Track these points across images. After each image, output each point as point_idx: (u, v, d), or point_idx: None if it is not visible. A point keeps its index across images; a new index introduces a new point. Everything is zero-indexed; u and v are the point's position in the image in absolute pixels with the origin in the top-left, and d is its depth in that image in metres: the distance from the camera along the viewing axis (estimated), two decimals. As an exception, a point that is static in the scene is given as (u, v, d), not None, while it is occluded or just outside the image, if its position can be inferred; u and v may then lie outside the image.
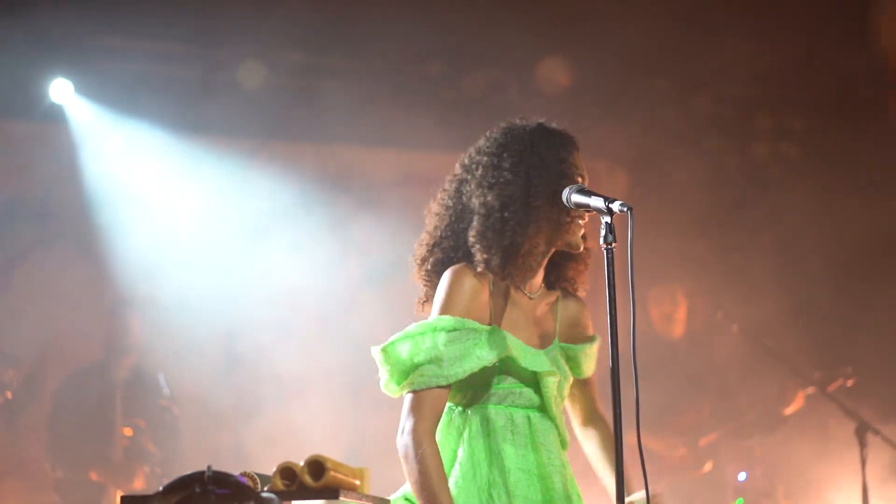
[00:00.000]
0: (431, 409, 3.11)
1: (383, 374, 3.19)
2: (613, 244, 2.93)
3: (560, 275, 3.41)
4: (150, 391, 7.54)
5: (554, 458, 3.26)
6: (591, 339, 3.44)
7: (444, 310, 3.16)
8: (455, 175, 3.38)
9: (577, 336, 3.41)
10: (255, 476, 2.97)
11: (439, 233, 3.33)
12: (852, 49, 7.58)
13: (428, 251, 3.34)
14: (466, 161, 3.38)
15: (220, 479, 2.42)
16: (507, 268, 3.20)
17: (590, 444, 3.53)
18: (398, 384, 3.16)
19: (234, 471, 2.69)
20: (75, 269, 7.74)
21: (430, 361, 3.12)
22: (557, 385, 3.28)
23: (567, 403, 3.48)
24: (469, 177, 3.32)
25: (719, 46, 7.59)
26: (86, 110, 7.68)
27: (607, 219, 2.94)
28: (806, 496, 7.86)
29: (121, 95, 7.61)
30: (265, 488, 2.95)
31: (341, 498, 2.66)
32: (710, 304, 8.02)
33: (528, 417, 3.24)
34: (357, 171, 8.24)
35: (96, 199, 7.78)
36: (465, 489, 3.16)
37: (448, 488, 3.07)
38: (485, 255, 3.19)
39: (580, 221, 3.25)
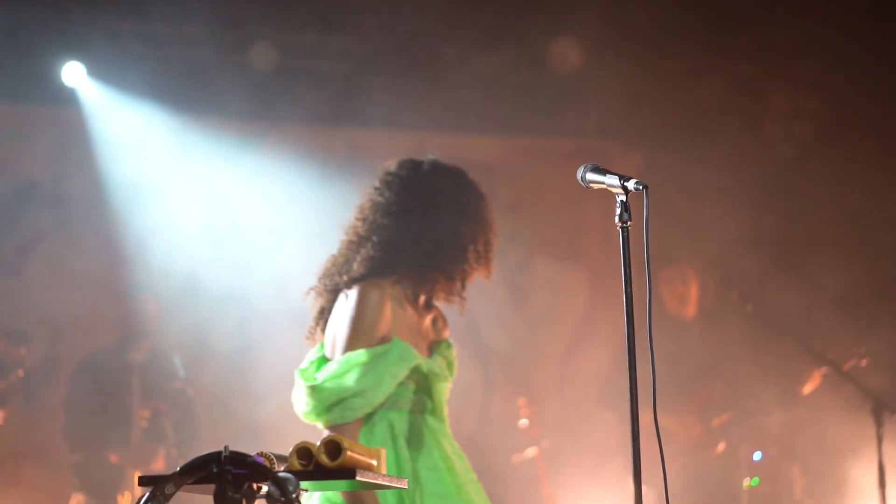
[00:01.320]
0: (353, 437, 3.49)
1: (307, 406, 3.59)
2: (629, 223, 2.92)
3: (450, 293, 3.78)
4: (167, 373, 7.55)
5: (455, 449, 3.59)
6: (448, 343, 3.82)
7: (354, 336, 3.56)
8: (370, 203, 3.95)
9: (440, 343, 3.79)
10: (272, 456, 2.97)
11: (349, 249, 3.81)
12: (868, 26, 7.54)
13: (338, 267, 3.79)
14: (382, 193, 3.96)
15: (236, 460, 2.42)
16: (410, 287, 3.64)
17: None
18: (319, 416, 3.55)
19: (251, 451, 2.69)
20: (89, 252, 7.76)
21: (354, 395, 3.48)
22: (446, 390, 3.66)
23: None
24: (403, 198, 3.85)
25: (733, 25, 7.56)
26: (98, 93, 7.68)
27: (622, 197, 2.93)
28: (822, 475, 7.84)
29: (133, 78, 7.61)
30: (282, 468, 2.96)
31: (357, 478, 2.67)
32: (724, 284, 8.01)
33: (426, 421, 3.55)
34: (369, 153, 8.22)
35: (109, 183, 7.78)
36: (381, 495, 3.45)
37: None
38: (395, 272, 3.65)
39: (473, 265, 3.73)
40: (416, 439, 3.51)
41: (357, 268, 3.65)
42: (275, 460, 2.95)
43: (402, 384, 3.54)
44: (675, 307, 7.82)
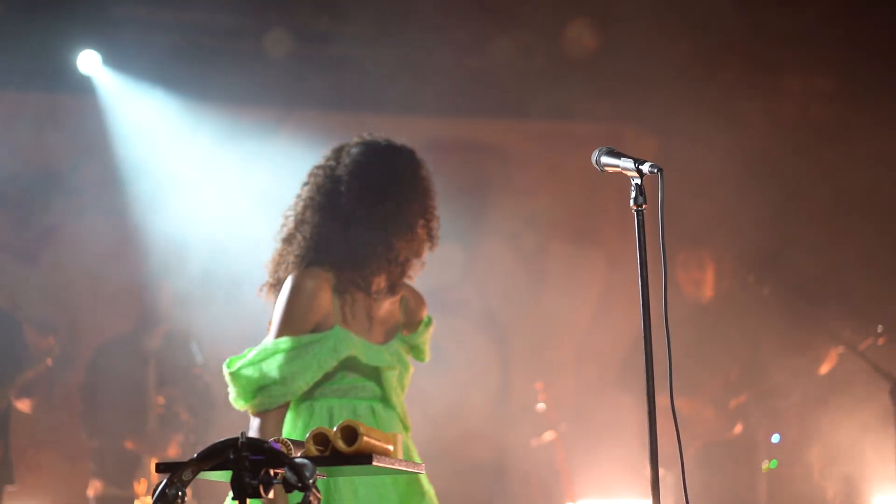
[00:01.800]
0: (276, 424, 3.51)
1: (231, 392, 3.59)
2: (644, 206, 2.91)
3: (403, 274, 3.74)
4: (183, 360, 7.57)
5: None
6: (425, 323, 3.79)
7: (284, 323, 3.57)
8: (313, 180, 4.03)
9: (414, 325, 3.77)
10: (289, 442, 2.98)
11: (293, 231, 3.82)
12: (883, 7, 7.50)
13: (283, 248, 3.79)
14: (327, 170, 4.05)
15: (253, 446, 2.43)
16: (355, 273, 3.61)
17: None
18: (246, 402, 3.54)
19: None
20: (106, 239, 7.77)
21: (274, 382, 3.49)
22: (398, 377, 3.62)
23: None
24: (329, 185, 3.91)
25: (748, 7, 7.52)
26: (114, 81, 7.69)
27: (637, 180, 2.92)
28: (840, 456, 7.83)
29: (148, 66, 7.61)
30: (298, 454, 2.96)
31: (374, 463, 2.67)
32: (741, 267, 7.99)
33: (372, 408, 3.55)
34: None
35: (125, 171, 7.80)
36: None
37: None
38: (333, 259, 3.63)
39: (422, 238, 3.71)
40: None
41: (294, 259, 3.68)
42: (291, 446, 2.96)
43: (342, 371, 3.55)
44: (691, 290, 7.81)
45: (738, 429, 7.77)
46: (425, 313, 3.85)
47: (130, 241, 7.81)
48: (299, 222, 3.81)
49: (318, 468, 2.42)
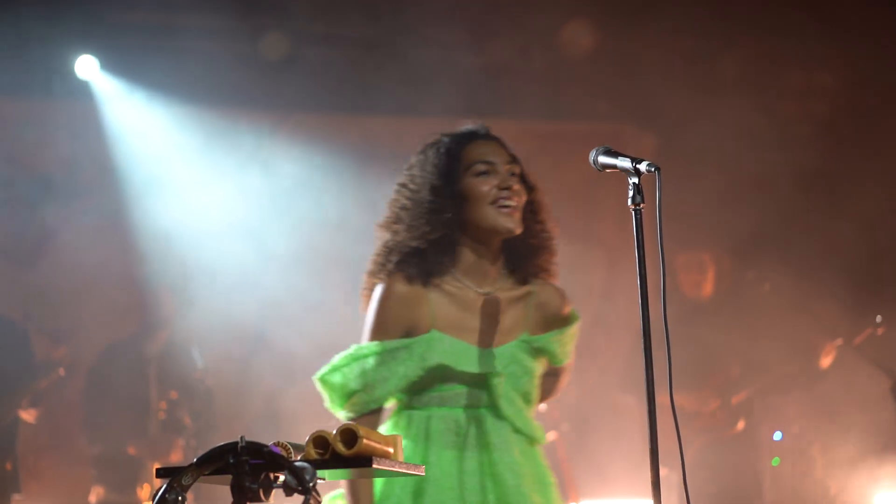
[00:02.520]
0: (372, 428, 3.29)
1: (325, 399, 3.44)
2: (642, 205, 2.91)
3: (530, 267, 3.45)
4: (184, 364, 7.57)
5: (505, 455, 3.28)
6: (565, 324, 3.48)
7: (372, 329, 3.37)
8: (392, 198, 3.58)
9: (552, 324, 3.46)
10: (289, 445, 2.97)
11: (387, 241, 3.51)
12: (883, 4, 7.50)
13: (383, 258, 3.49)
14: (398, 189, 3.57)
15: (253, 450, 2.42)
16: (424, 272, 3.33)
17: None
18: (338, 408, 3.40)
19: (268, 441, 2.69)
20: (105, 245, 7.77)
21: (360, 389, 3.33)
22: (513, 383, 3.33)
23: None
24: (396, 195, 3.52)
25: (745, 3, 7.52)
26: (112, 86, 7.70)
27: (635, 179, 2.92)
28: (842, 452, 7.83)
29: (146, 70, 7.62)
30: (299, 457, 2.96)
31: (374, 466, 2.67)
32: (741, 264, 7.99)
33: (476, 417, 3.29)
34: (382, 140, 8.22)
35: (124, 175, 7.80)
36: (398, 497, 3.29)
37: None
38: (403, 264, 3.38)
39: (489, 207, 3.33)
40: (456, 439, 3.28)
41: (388, 264, 3.45)
42: (291, 450, 2.95)
43: (440, 379, 3.30)
44: (691, 288, 7.80)
45: (741, 426, 7.77)
46: (567, 310, 3.51)
47: (129, 245, 7.81)
48: (394, 222, 3.50)
49: (317, 471, 2.41)
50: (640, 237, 2.87)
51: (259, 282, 7.91)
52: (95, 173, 7.80)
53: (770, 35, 7.89)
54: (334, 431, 2.69)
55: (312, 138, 8.00)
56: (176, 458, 7.32)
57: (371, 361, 3.33)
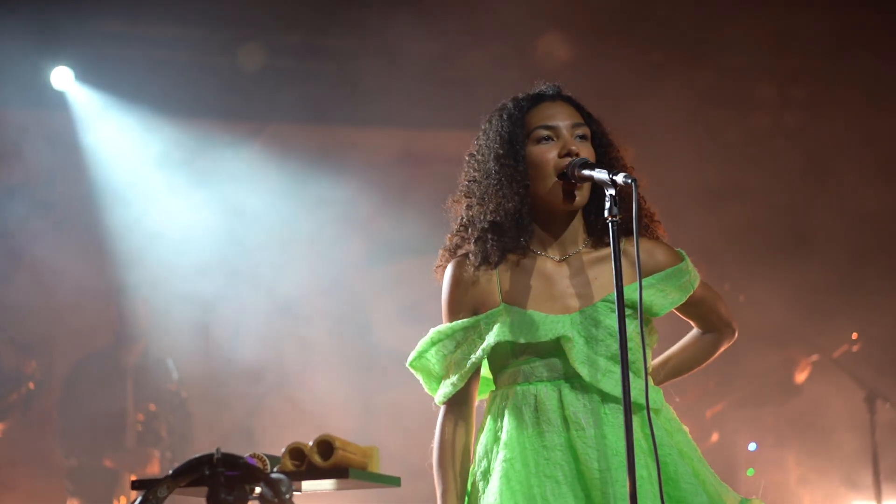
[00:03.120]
0: (454, 418, 3.16)
1: (423, 384, 3.25)
2: (619, 217, 2.91)
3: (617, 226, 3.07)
4: (160, 376, 7.55)
5: (588, 431, 3.03)
6: (668, 267, 3.22)
7: (445, 314, 3.20)
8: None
9: (649, 272, 3.17)
10: (265, 457, 2.98)
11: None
12: (853, 14, 7.55)
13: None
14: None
15: (229, 461, 2.42)
16: (487, 248, 3.14)
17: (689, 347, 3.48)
18: (434, 392, 3.21)
19: (244, 452, 2.69)
20: (81, 256, 7.75)
21: (443, 373, 3.17)
22: (594, 347, 3.07)
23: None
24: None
25: (718, 18, 7.56)
26: (87, 97, 7.68)
27: (611, 191, 2.93)
28: (817, 464, 7.86)
29: (122, 81, 7.61)
30: (275, 469, 2.95)
31: (350, 477, 2.67)
32: (716, 275, 8.01)
33: (559, 390, 3.07)
34: (357, 151, 8.23)
35: (100, 186, 7.78)
36: (477, 483, 3.11)
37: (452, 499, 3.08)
38: (466, 244, 3.18)
39: (551, 178, 3.11)
40: (538, 415, 3.05)
41: (464, 243, 3.22)
42: (267, 461, 2.95)
43: (514, 353, 3.11)
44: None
45: (715, 437, 7.80)
46: (657, 251, 3.22)
47: (105, 257, 7.79)
48: (465, 196, 3.26)
49: (293, 483, 2.41)
50: (616, 248, 2.88)
51: (235, 293, 7.90)
52: (70, 184, 7.78)
53: (742, 48, 7.94)
54: (311, 443, 2.69)
55: (288, 149, 8.00)
56: (152, 471, 7.29)
57: (448, 344, 3.16)
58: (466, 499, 3.11)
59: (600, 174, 2.98)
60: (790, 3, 7.58)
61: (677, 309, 3.27)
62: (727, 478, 7.36)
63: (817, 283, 7.76)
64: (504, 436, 3.07)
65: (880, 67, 7.77)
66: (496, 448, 3.08)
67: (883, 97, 7.82)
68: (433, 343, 3.17)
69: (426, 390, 3.25)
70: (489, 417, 3.15)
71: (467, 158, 3.27)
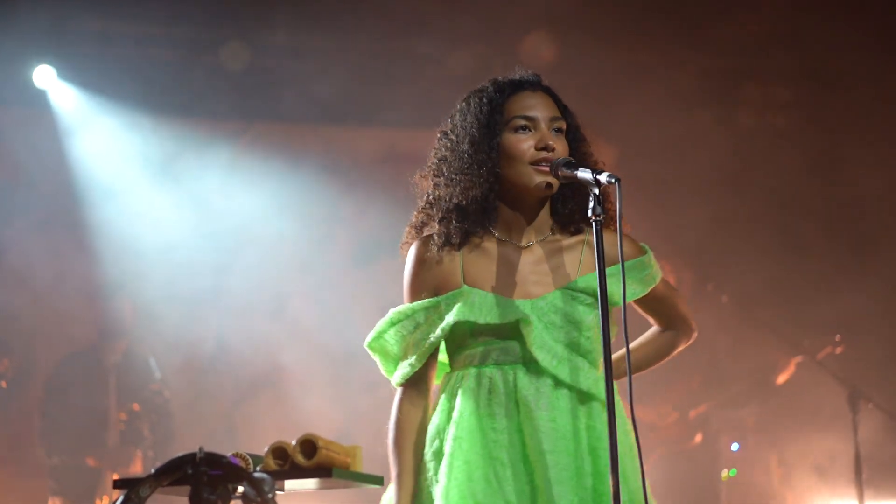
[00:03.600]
0: (410, 399, 3.16)
1: (379, 366, 3.24)
2: (602, 216, 2.91)
3: (581, 217, 3.18)
4: (143, 375, 7.53)
5: (538, 414, 3.02)
6: (630, 259, 3.17)
7: (407, 294, 3.20)
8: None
9: (611, 263, 3.08)
10: (247, 456, 2.97)
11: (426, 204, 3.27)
12: (838, 17, 7.57)
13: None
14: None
15: (211, 461, 2.41)
16: (451, 230, 3.14)
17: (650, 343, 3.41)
18: (391, 374, 3.20)
19: (227, 451, 2.68)
20: (63, 255, 7.72)
21: (401, 353, 3.17)
22: (552, 333, 3.08)
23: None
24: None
25: (704, 18, 7.57)
26: (69, 96, 7.65)
27: (595, 191, 2.93)
28: (799, 464, 7.88)
29: (104, 80, 7.58)
30: (257, 468, 2.95)
31: (333, 476, 2.66)
32: (700, 276, 8.03)
33: (514, 373, 3.08)
34: (343, 150, 8.22)
35: (82, 185, 7.75)
36: (428, 464, 3.10)
37: (402, 482, 3.06)
38: (431, 222, 3.19)
39: (526, 166, 3.11)
40: (490, 397, 3.05)
41: (429, 221, 3.22)
42: (250, 460, 2.94)
43: (472, 334, 3.10)
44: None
45: (699, 438, 7.81)
46: (629, 251, 3.16)
47: (87, 256, 7.76)
48: (433, 175, 3.26)
49: (276, 482, 2.40)
50: (600, 248, 2.88)
51: (218, 292, 7.88)
52: (53, 183, 7.75)
53: (728, 49, 7.96)
54: (294, 442, 2.68)
55: (274, 148, 7.99)
56: (135, 469, 7.27)
57: (407, 325, 3.15)
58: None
59: (584, 174, 2.98)
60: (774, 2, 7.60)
61: (638, 304, 3.28)
62: (710, 478, 7.31)
63: (800, 284, 7.78)
64: (456, 415, 3.07)
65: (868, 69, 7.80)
66: (448, 428, 3.08)
67: (866, 95, 7.84)
68: (392, 323, 3.16)
69: (383, 372, 3.24)
70: (443, 397, 3.14)
71: (439, 135, 3.27)
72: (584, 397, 3.05)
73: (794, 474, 7.91)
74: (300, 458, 2.76)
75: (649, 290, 3.22)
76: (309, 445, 2.70)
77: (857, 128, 7.86)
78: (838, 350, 7.62)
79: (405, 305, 3.18)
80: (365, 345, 3.21)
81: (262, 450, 3.07)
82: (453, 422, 3.06)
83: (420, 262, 3.18)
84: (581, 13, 7.36)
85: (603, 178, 2.92)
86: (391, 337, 3.17)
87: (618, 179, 2.90)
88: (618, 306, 3.10)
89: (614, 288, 3.07)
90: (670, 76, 7.92)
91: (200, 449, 2.42)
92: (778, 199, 7.96)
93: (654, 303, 3.31)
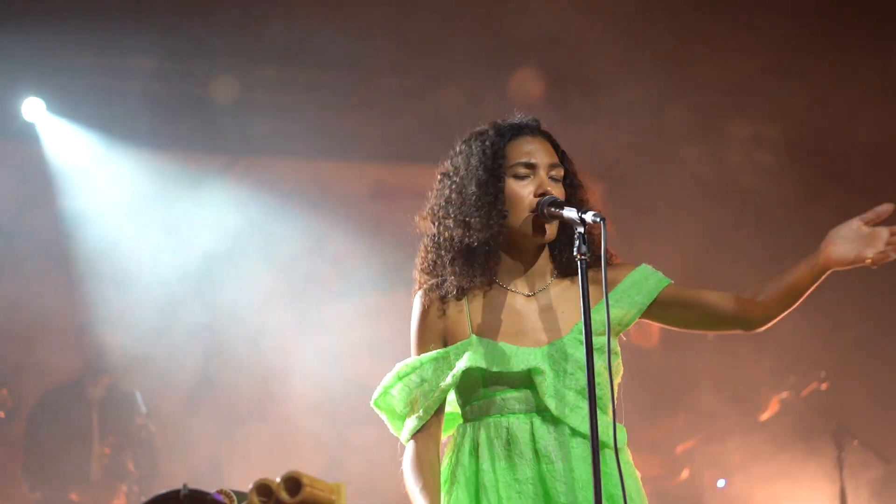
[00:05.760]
0: (418, 452, 3.13)
1: (387, 424, 3.23)
2: (587, 255, 2.93)
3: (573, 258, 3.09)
4: (127, 409, 7.50)
5: (557, 465, 3.04)
6: (621, 282, 3.18)
7: (414, 346, 3.19)
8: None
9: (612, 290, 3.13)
10: (232, 493, 2.95)
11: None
12: (825, 56, 7.61)
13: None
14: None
15: (195, 498, 2.41)
16: (457, 278, 3.14)
17: (760, 300, 3.18)
18: (398, 430, 3.20)
19: (211, 488, 2.67)
20: (49, 287, 7.70)
21: (404, 413, 3.16)
22: (564, 380, 3.07)
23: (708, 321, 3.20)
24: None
25: (691, 56, 7.62)
26: (58, 128, 7.65)
27: (581, 229, 2.94)
28: (785, 501, 7.87)
29: (93, 113, 7.59)
30: (242, 505, 2.94)
31: (318, 513, 2.65)
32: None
33: (531, 423, 3.08)
34: (331, 184, 8.23)
35: (70, 217, 7.74)
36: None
37: None
38: (439, 267, 3.19)
39: (525, 213, 3.11)
40: (509, 448, 3.04)
41: (439, 262, 3.21)
42: (234, 497, 2.93)
43: (485, 385, 3.09)
44: (636, 335, 7.85)
45: (685, 474, 7.80)
46: (625, 273, 3.17)
47: (74, 289, 7.75)
48: (440, 216, 3.24)
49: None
50: (585, 286, 2.89)
51: (205, 327, 7.86)
52: (41, 215, 7.74)
53: (715, 87, 8.00)
54: (278, 479, 2.67)
55: (261, 182, 7.99)
56: (118, 505, 7.24)
57: (414, 378, 3.15)
58: None
59: (569, 212, 3.00)
60: (762, 40, 7.64)
61: (678, 323, 3.24)
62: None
63: (786, 322, 7.78)
64: (484, 466, 3.06)
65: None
66: (465, 473, 3.09)
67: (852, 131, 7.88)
68: (399, 377, 3.16)
69: (391, 430, 3.23)
70: (457, 448, 3.13)
71: (440, 177, 3.28)
72: (601, 445, 2.98)
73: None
74: (284, 496, 2.74)
75: (659, 294, 3.19)
76: (293, 482, 2.69)
77: (843, 162, 7.89)
78: (823, 386, 7.63)
79: (412, 358, 3.18)
80: (372, 403, 3.20)
81: (247, 486, 3.06)
82: (483, 472, 3.05)
83: (426, 313, 3.18)
84: (567, 50, 7.40)
85: (588, 217, 2.93)
86: (398, 392, 3.16)
87: (603, 218, 2.91)
88: (629, 326, 3.16)
89: (616, 311, 3.12)
90: (658, 113, 7.96)
91: (185, 485, 2.42)
92: (765, 235, 7.98)
93: (685, 297, 3.23)
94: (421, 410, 3.13)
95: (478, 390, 3.12)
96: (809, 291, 3.16)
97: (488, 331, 3.14)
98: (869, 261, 2.99)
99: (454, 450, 3.16)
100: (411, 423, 3.14)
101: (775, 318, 3.20)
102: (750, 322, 3.20)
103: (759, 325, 3.21)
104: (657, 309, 3.20)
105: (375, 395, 3.20)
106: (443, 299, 3.17)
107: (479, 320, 3.16)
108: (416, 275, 3.28)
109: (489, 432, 3.09)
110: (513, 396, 3.09)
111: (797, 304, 3.19)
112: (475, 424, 3.12)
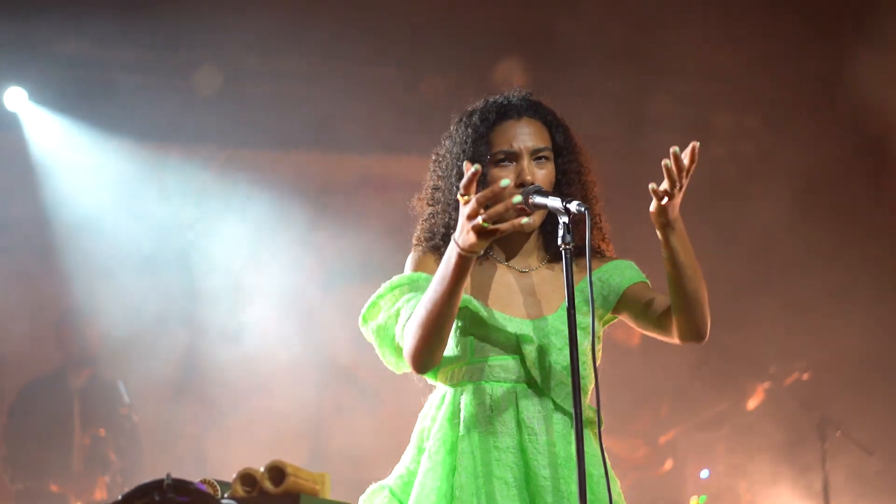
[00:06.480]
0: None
1: (376, 350, 3.13)
2: (571, 245, 2.91)
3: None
4: (109, 399, 7.48)
5: (540, 437, 3.01)
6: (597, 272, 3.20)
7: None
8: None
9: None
10: (216, 483, 2.96)
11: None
12: (806, 47, 7.63)
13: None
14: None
15: (179, 487, 2.40)
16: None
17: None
18: (389, 359, 3.10)
19: (195, 478, 2.67)
20: (31, 278, 7.68)
21: (396, 324, 3.05)
22: (553, 355, 3.05)
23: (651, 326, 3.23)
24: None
25: (675, 47, 7.62)
26: (40, 118, 7.62)
27: (565, 219, 2.92)
28: (768, 491, 7.90)
29: (75, 102, 7.56)
30: (225, 495, 2.94)
31: (301, 503, 2.66)
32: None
33: (514, 393, 3.04)
34: (315, 175, 8.22)
35: (52, 208, 7.72)
36: (427, 482, 3.02)
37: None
38: (448, 238, 3.13)
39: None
40: (492, 415, 3.00)
41: (433, 238, 3.19)
42: (218, 487, 2.93)
43: (473, 350, 3.03)
44: (619, 327, 7.87)
45: (669, 465, 7.82)
46: (583, 265, 3.06)
47: (56, 278, 7.72)
48: (431, 200, 3.25)
49: None
50: (569, 276, 2.87)
51: (189, 317, 7.85)
52: (23, 205, 7.71)
53: (698, 77, 8.01)
54: (262, 468, 2.68)
55: (246, 173, 7.98)
56: (100, 496, 7.21)
57: (408, 290, 3.06)
58: (406, 477, 3.06)
59: (553, 202, 2.96)
60: (745, 31, 7.65)
61: (643, 324, 3.27)
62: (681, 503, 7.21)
63: (768, 311, 7.81)
64: (462, 434, 3.02)
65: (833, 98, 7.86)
66: (450, 434, 3.03)
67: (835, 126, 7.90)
68: (392, 288, 3.08)
69: (382, 360, 3.14)
70: (436, 410, 3.08)
71: (434, 157, 3.27)
72: (584, 419, 2.99)
73: (763, 501, 7.92)
74: (268, 485, 2.76)
75: (639, 282, 3.23)
76: (277, 472, 2.70)
77: (827, 156, 7.91)
78: (805, 376, 7.65)
79: (407, 273, 3.09)
80: (359, 321, 3.12)
81: (231, 476, 3.06)
82: (462, 439, 3.01)
83: (422, 260, 3.13)
84: (551, 39, 7.40)
85: (572, 206, 2.91)
86: (387, 302, 3.07)
87: (587, 208, 2.90)
88: (618, 295, 3.19)
89: (605, 286, 3.17)
90: (641, 104, 7.97)
91: (168, 475, 2.42)
92: (747, 228, 7.99)
93: (651, 299, 3.27)
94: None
95: (465, 356, 3.07)
96: (677, 262, 3.22)
97: (480, 297, 3.11)
98: (661, 194, 3.14)
99: (433, 416, 3.10)
100: (405, 313, 3.02)
101: (692, 319, 3.27)
102: (681, 335, 3.27)
103: (690, 336, 3.28)
104: (627, 301, 3.22)
105: (364, 308, 3.12)
106: (440, 257, 3.04)
107: (472, 286, 3.12)
108: (414, 242, 3.24)
109: (472, 398, 3.04)
110: (499, 364, 3.05)
111: (688, 286, 3.23)
112: (458, 390, 3.07)
